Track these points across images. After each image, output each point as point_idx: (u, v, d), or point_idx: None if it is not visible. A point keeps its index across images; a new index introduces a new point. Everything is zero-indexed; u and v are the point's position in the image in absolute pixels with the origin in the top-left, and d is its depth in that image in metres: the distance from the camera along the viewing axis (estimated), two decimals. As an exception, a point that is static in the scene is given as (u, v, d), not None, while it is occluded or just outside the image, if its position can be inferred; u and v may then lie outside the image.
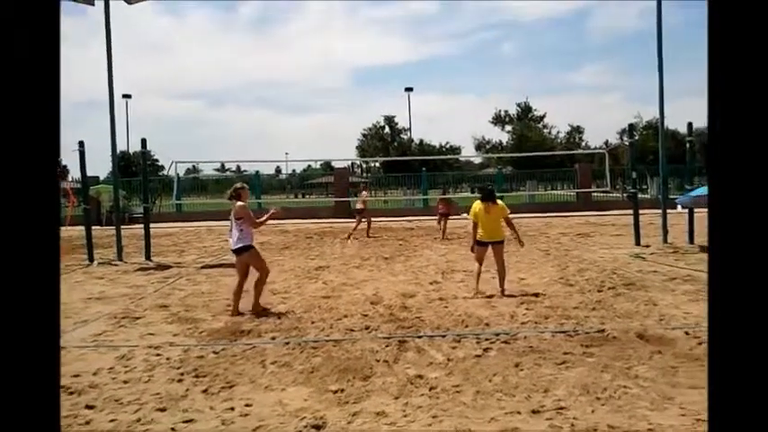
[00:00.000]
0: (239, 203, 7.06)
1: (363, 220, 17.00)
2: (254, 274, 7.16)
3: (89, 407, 4.15)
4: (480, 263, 7.85)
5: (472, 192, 40.16)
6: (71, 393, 4.42)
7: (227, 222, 7.42)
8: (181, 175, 20.72)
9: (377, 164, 63.42)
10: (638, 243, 12.83)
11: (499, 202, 7.81)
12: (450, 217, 16.50)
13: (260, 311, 6.97)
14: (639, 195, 14.59)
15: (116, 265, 12.10)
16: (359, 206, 17.19)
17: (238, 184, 7.31)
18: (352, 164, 67.14)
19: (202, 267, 11.54)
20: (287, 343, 5.67)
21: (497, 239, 7.76)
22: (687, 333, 5.58)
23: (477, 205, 7.78)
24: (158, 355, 5.43)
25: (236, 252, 7.12)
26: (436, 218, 17.32)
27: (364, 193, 17.94)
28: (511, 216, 7.81)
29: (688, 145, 13.57)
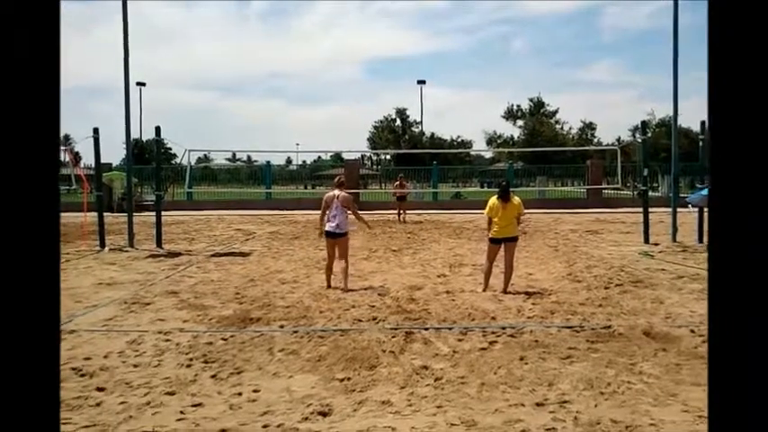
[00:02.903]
0: (350, 196, 7.92)
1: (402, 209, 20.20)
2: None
3: (100, 389, 4.25)
4: (491, 262, 7.73)
5: (482, 186, 40.10)
6: (82, 375, 4.52)
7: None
8: (192, 163, 20.80)
9: (388, 156, 63.42)
10: (646, 241, 12.79)
11: (516, 198, 7.66)
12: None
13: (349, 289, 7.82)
14: (650, 193, 14.52)
15: (127, 251, 12.23)
16: (399, 195, 20.55)
17: (343, 177, 8.39)
18: (363, 156, 67.24)
19: (212, 255, 11.64)
20: (295, 331, 5.75)
21: (511, 236, 7.66)
22: (692, 331, 5.59)
23: (494, 201, 7.64)
24: (168, 340, 5.52)
25: (338, 236, 7.83)
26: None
27: (405, 183, 21.41)
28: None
29: (701, 143, 13.49)
